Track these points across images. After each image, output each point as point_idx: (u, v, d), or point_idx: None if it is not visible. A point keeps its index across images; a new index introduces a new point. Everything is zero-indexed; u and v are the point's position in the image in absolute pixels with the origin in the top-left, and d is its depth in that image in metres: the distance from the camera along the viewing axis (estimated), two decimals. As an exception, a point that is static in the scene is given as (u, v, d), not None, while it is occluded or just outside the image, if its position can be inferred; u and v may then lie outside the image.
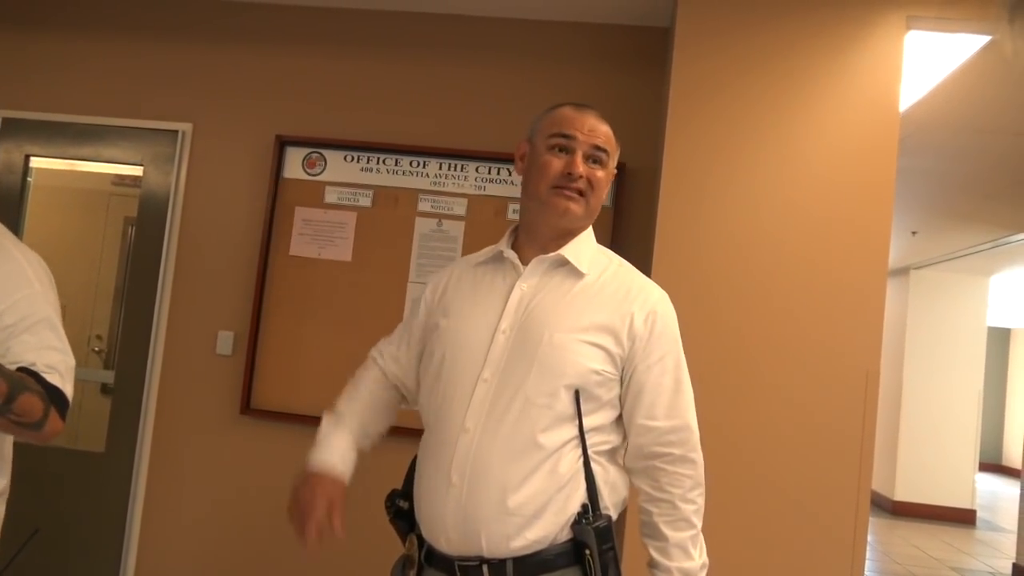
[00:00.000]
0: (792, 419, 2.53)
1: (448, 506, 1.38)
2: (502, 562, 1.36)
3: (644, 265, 2.72)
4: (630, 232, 3.09)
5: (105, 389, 3.45)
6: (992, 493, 10.54)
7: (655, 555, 1.43)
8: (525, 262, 1.52)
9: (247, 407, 3.22)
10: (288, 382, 3.22)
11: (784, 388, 2.54)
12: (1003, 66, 3.02)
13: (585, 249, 1.52)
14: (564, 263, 1.49)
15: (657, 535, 1.44)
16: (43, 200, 3.61)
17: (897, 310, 8.34)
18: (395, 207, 3.23)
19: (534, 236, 1.53)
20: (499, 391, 1.40)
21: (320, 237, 3.25)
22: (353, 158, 3.27)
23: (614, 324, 1.44)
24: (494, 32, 3.27)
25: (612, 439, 1.47)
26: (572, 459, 1.39)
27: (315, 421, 3.16)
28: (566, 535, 1.38)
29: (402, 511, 1.53)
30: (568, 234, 1.51)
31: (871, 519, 7.35)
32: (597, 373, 1.41)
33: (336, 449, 1.55)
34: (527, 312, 1.45)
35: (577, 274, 1.49)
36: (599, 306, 1.45)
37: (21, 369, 1.44)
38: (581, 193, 1.47)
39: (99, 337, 3.63)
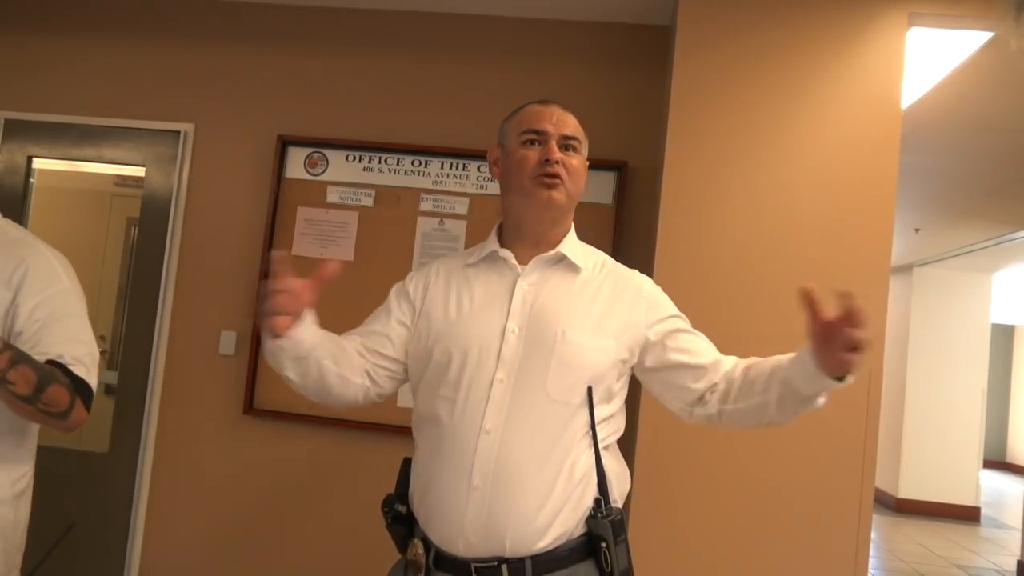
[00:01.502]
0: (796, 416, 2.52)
1: (469, 509, 1.37)
2: (521, 561, 1.36)
3: (646, 263, 2.72)
4: (632, 231, 3.09)
5: (109, 390, 3.45)
6: (996, 490, 10.52)
7: (780, 368, 1.45)
8: (518, 260, 1.54)
9: (250, 407, 3.23)
10: (291, 382, 3.22)
11: (787, 386, 2.54)
12: (1006, 63, 3.01)
13: (577, 245, 1.57)
14: (561, 259, 1.52)
15: (760, 364, 1.48)
16: (46, 201, 3.62)
17: (900, 308, 8.32)
18: (397, 206, 3.23)
19: (522, 233, 1.54)
20: (517, 391, 1.40)
21: (322, 237, 3.25)
22: (355, 158, 3.27)
23: (623, 313, 1.49)
24: (495, 31, 3.27)
25: (617, 430, 1.51)
26: (587, 454, 1.41)
27: (318, 421, 3.21)
28: (581, 529, 1.39)
29: (400, 515, 1.50)
30: (554, 225, 1.54)
31: (875, 517, 7.35)
32: (615, 364, 1.46)
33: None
34: (534, 310, 1.47)
35: (575, 269, 1.52)
36: (606, 299, 1.50)
37: (49, 361, 1.51)
38: (560, 180, 1.49)
39: (103, 338, 3.63)
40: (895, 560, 6.28)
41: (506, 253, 1.53)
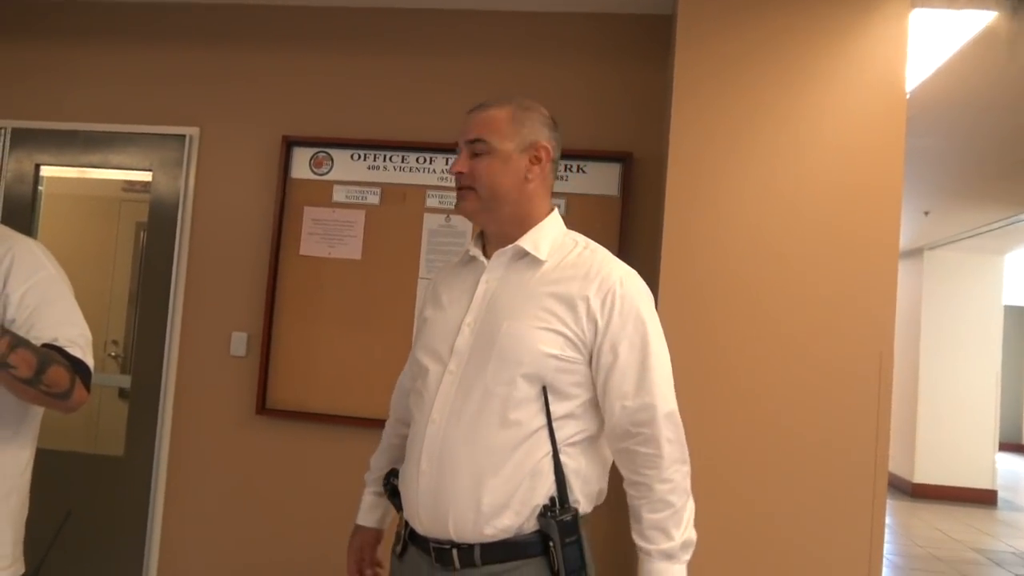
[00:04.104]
0: (806, 402, 2.52)
1: (419, 492, 1.45)
2: (471, 547, 1.41)
3: (653, 254, 2.72)
4: (638, 222, 3.08)
5: (122, 393, 3.48)
6: (1013, 473, 10.48)
7: (635, 537, 1.45)
8: (490, 258, 1.57)
9: (262, 407, 3.24)
10: (302, 381, 3.24)
11: (797, 371, 2.53)
12: (1012, 42, 2.99)
13: (545, 236, 1.53)
14: (523, 253, 1.52)
15: (636, 517, 1.45)
16: (55, 208, 3.64)
17: (912, 291, 8.29)
18: (403, 204, 3.24)
19: (487, 235, 1.59)
20: (463, 382, 1.45)
21: (329, 236, 3.26)
22: (360, 156, 3.28)
23: (568, 306, 1.44)
24: (497, 25, 3.27)
25: (586, 428, 1.48)
26: (539, 450, 1.42)
27: (330, 419, 3.23)
28: (533, 525, 1.41)
29: (396, 489, 1.59)
30: (504, 225, 1.53)
31: (891, 503, 7.31)
32: (556, 358, 1.42)
33: (365, 507, 1.76)
34: (489, 304, 1.50)
35: (538, 263, 1.51)
36: (555, 290, 1.47)
37: (45, 345, 1.54)
38: (469, 188, 1.51)
39: (115, 342, 3.66)
40: (912, 545, 6.27)
41: (476, 251, 1.57)
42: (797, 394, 2.53)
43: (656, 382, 1.45)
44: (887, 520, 2.51)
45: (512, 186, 1.51)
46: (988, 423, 8.19)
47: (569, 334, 1.43)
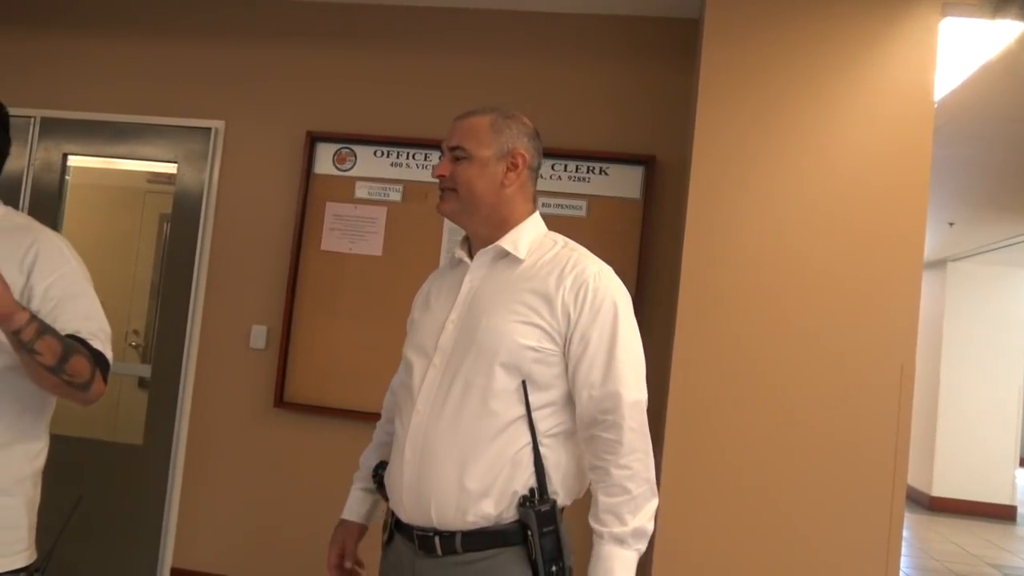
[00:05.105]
0: (825, 411, 2.50)
1: (404, 480, 1.50)
2: (452, 534, 1.46)
3: (675, 258, 2.71)
4: (660, 225, 3.07)
5: (142, 383, 3.51)
6: (1034, 489, 10.33)
7: (590, 520, 1.47)
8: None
9: (280, 400, 3.27)
10: (320, 375, 3.26)
11: (816, 380, 2.52)
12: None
13: (525, 237, 1.59)
14: (504, 253, 1.58)
15: (593, 501, 1.48)
16: (81, 198, 3.68)
17: (934, 303, 8.21)
18: (425, 202, 3.25)
19: (471, 238, 1.64)
20: (445, 375, 1.51)
21: (351, 232, 3.28)
22: (383, 153, 3.29)
23: (545, 300, 1.50)
24: (522, 26, 3.27)
25: (567, 421, 1.52)
26: (519, 440, 1.47)
27: (347, 414, 3.24)
28: (513, 515, 1.46)
29: (384, 481, 1.64)
30: (482, 226, 1.59)
31: (909, 516, 7.24)
32: (533, 350, 1.47)
33: (351, 501, 1.78)
34: (471, 301, 1.56)
35: (517, 261, 1.57)
36: (532, 286, 1.53)
37: (68, 336, 1.56)
38: (451, 190, 1.58)
39: (136, 332, 3.70)
40: (929, 559, 6.20)
41: (461, 254, 1.64)
42: (816, 403, 2.51)
43: (623, 372, 1.48)
44: (904, 533, 2.49)
45: (489, 190, 1.58)
46: (1009, 438, 8.09)
47: (545, 327, 1.49)
